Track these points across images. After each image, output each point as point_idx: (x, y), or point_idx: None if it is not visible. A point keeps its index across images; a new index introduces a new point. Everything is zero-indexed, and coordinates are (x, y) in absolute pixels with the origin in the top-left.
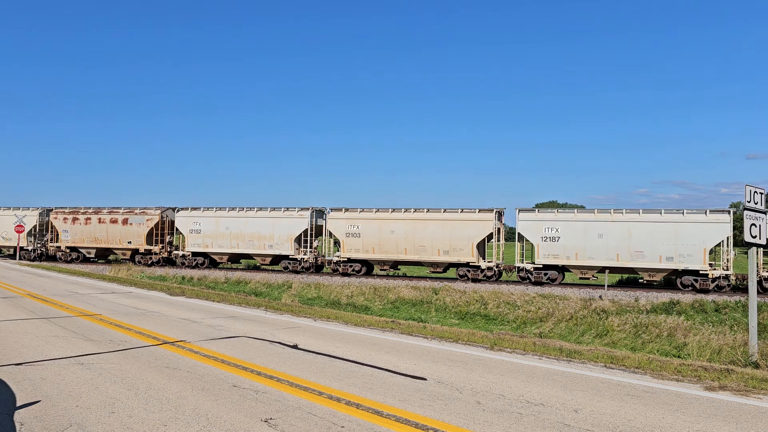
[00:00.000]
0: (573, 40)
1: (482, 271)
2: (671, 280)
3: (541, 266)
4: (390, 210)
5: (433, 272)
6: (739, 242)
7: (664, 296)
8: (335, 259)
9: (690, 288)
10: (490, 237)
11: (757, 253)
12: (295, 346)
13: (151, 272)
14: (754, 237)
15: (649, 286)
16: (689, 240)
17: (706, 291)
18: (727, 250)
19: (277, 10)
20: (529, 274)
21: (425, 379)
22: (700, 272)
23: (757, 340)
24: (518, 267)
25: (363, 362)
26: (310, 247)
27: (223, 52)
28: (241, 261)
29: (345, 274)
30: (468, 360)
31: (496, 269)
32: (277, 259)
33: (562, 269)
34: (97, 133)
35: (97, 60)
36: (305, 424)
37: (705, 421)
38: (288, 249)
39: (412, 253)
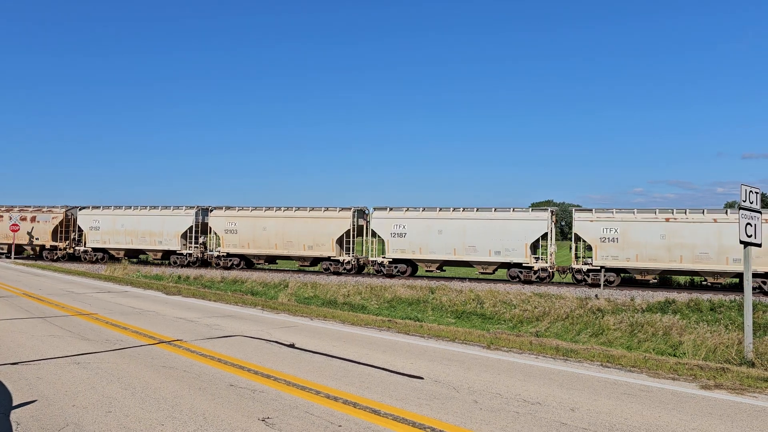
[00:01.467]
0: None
1: (342, 264)
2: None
3: (391, 260)
4: (264, 208)
5: (301, 266)
6: (560, 237)
7: (660, 295)
8: (216, 253)
9: (517, 279)
10: (349, 234)
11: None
12: (292, 346)
13: (147, 271)
14: (750, 236)
15: (485, 279)
16: (514, 235)
17: (529, 282)
18: (546, 245)
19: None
20: (382, 267)
21: (422, 378)
22: (524, 264)
23: (752, 338)
24: (372, 260)
25: (360, 361)
26: (196, 242)
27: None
28: (140, 256)
29: (226, 268)
30: (465, 359)
31: (355, 262)
32: (166, 254)
33: (411, 262)
34: None
35: None
36: (302, 423)
37: (701, 419)
38: (176, 245)
39: (282, 248)
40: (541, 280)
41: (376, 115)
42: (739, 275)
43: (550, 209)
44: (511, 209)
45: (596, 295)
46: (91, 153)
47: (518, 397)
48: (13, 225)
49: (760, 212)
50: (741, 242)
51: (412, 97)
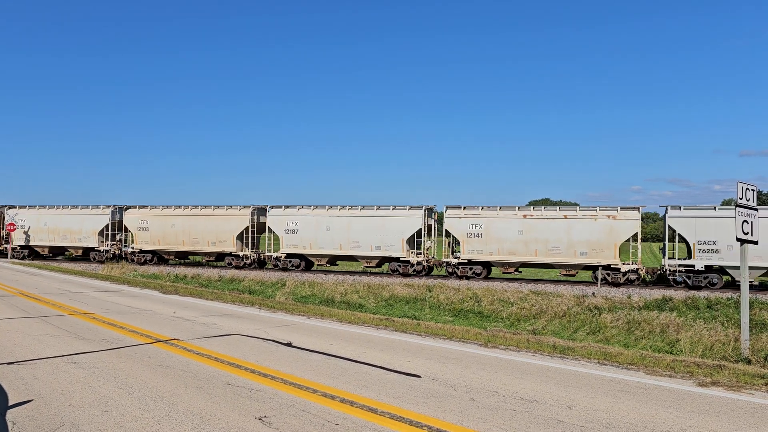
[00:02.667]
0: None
1: (242, 259)
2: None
3: (286, 255)
4: (173, 207)
5: (207, 261)
6: (438, 233)
7: (657, 293)
8: (130, 249)
9: (397, 272)
10: (248, 230)
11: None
12: (289, 344)
13: (144, 270)
14: (746, 234)
15: (370, 272)
16: (392, 231)
17: (407, 275)
18: (422, 240)
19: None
20: (278, 262)
21: (419, 377)
22: (401, 259)
23: (749, 336)
24: (268, 255)
25: (357, 360)
26: (113, 239)
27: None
28: (65, 253)
29: (140, 263)
30: (462, 357)
31: (255, 257)
32: (86, 250)
33: (303, 257)
34: None
35: None
36: (299, 422)
37: (698, 416)
38: (94, 242)
39: (189, 245)
40: (418, 273)
41: (377, 115)
42: (589, 267)
43: (425, 207)
44: (391, 207)
45: (593, 293)
46: (90, 153)
47: (515, 395)
48: (9, 224)
49: (756, 209)
50: (738, 239)
51: (410, 96)
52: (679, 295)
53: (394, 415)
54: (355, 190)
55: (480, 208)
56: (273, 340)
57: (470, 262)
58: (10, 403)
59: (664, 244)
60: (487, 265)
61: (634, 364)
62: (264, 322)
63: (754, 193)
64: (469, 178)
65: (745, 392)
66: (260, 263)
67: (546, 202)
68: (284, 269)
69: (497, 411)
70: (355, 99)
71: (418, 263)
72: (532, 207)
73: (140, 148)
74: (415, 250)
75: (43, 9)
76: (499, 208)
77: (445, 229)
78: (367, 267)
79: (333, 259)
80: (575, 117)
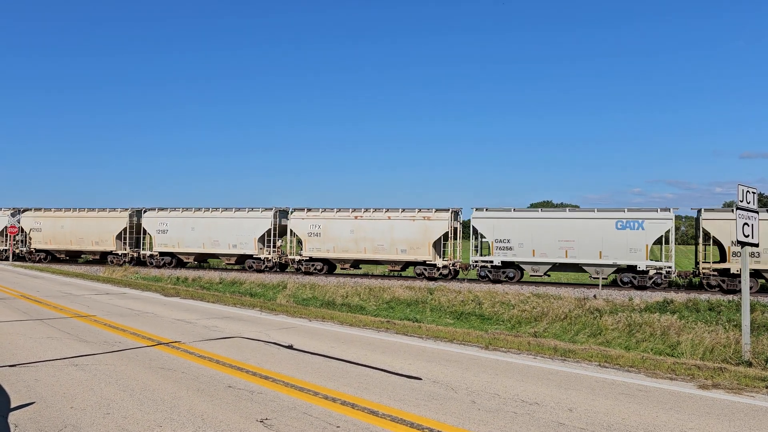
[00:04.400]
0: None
1: (121, 257)
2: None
3: (159, 253)
4: (63, 210)
5: (93, 259)
6: (282, 233)
7: (658, 295)
8: (26, 249)
9: (252, 269)
10: (126, 230)
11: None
12: (290, 347)
13: (146, 273)
14: (747, 236)
15: (231, 268)
16: (246, 231)
17: (260, 271)
18: (271, 239)
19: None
20: (152, 259)
21: (421, 379)
22: (254, 256)
23: (750, 338)
24: (143, 254)
25: (358, 362)
26: (11, 239)
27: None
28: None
29: (34, 261)
30: (463, 360)
31: (135, 255)
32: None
33: (173, 255)
34: None
35: None
36: (301, 425)
37: (698, 419)
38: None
39: (76, 244)
40: (270, 269)
41: (376, 115)
42: (410, 263)
43: (275, 209)
44: (246, 209)
45: (594, 296)
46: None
47: (516, 398)
48: (11, 227)
49: (757, 212)
50: (738, 242)
51: (411, 98)
52: (680, 297)
53: (395, 417)
54: (355, 193)
55: (320, 210)
56: (274, 343)
57: (311, 259)
58: (12, 405)
59: (474, 243)
60: (327, 262)
61: (635, 366)
62: (265, 325)
63: (755, 195)
64: (469, 181)
65: (746, 395)
66: (139, 261)
67: (547, 205)
68: (158, 266)
69: (498, 413)
70: (353, 99)
71: (268, 260)
72: (362, 209)
73: (139, 148)
74: (267, 248)
75: (43, 10)
76: (335, 210)
77: (290, 229)
78: (228, 264)
79: (199, 257)
80: (576, 119)
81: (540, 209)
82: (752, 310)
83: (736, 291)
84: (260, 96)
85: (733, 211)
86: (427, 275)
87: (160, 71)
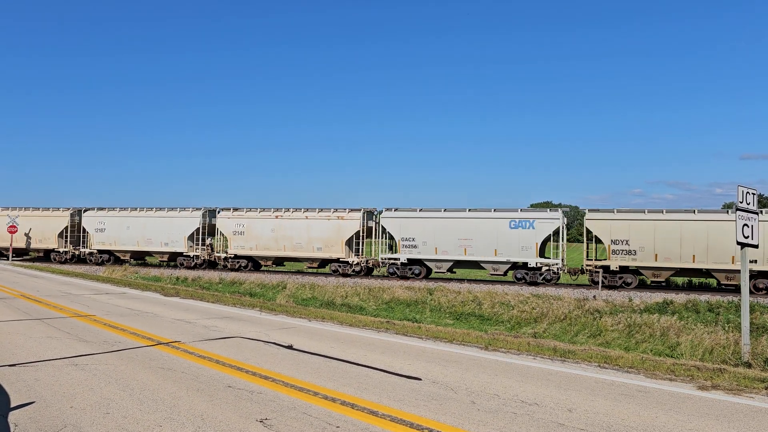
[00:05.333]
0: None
1: (62, 254)
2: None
3: (97, 251)
4: (10, 209)
5: (37, 256)
6: (210, 232)
7: (658, 296)
8: (224, 255)
9: (183, 266)
10: (68, 229)
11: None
12: (290, 347)
13: (146, 273)
14: (746, 237)
15: (165, 265)
16: (176, 230)
17: (192, 267)
18: (200, 237)
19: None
20: (91, 257)
21: (420, 379)
22: (184, 254)
23: (749, 339)
24: (82, 251)
25: (358, 362)
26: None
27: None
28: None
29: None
30: (463, 360)
31: (77, 252)
32: (172, 256)
33: (111, 253)
34: None
35: None
36: (300, 425)
37: (698, 420)
38: (182, 246)
39: (21, 242)
40: (200, 266)
41: (376, 114)
42: (326, 260)
43: (204, 209)
44: (177, 209)
45: (594, 296)
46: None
47: (516, 398)
48: (10, 226)
49: (756, 213)
50: (738, 243)
51: (411, 99)
52: (680, 298)
53: (395, 417)
54: (351, 193)
55: (244, 210)
56: (274, 343)
57: (236, 257)
58: (12, 405)
59: (385, 242)
60: (252, 259)
61: (635, 367)
62: (265, 325)
63: (755, 196)
64: (469, 182)
65: (745, 396)
66: (80, 259)
67: (547, 205)
68: (97, 263)
69: (498, 414)
70: (353, 99)
71: (197, 257)
72: (282, 209)
73: (138, 147)
74: (197, 246)
75: (44, 8)
76: (258, 210)
77: (217, 228)
78: (161, 261)
79: (134, 255)
80: (576, 120)
81: (443, 209)
82: (752, 311)
83: (617, 287)
84: (261, 95)
85: (614, 212)
86: (341, 272)
87: (159, 71)
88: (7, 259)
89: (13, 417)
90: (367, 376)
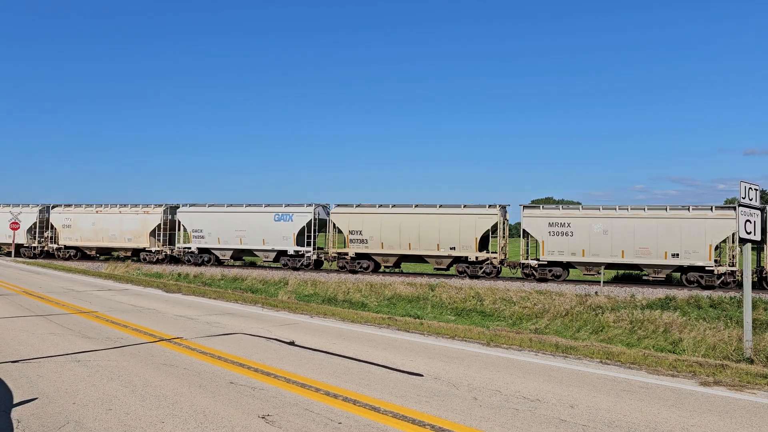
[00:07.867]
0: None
1: (31, 249)
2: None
3: (65, 246)
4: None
5: (7, 252)
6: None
7: (660, 292)
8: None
9: (146, 261)
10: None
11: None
12: (291, 343)
13: (148, 269)
14: (749, 233)
15: (125, 258)
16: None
17: (154, 262)
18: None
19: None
20: (59, 252)
21: (422, 376)
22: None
23: (752, 336)
24: (51, 246)
25: (360, 359)
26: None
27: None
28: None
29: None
30: (465, 356)
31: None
32: (135, 251)
33: (78, 248)
34: None
35: None
36: (302, 421)
37: (700, 415)
38: (145, 242)
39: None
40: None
41: (375, 114)
42: (135, 250)
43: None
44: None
45: (596, 292)
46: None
47: (518, 394)
48: (13, 223)
49: (759, 209)
50: (740, 239)
51: (411, 94)
52: (682, 294)
53: (396, 414)
54: (345, 190)
55: (72, 206)
56: (276, 339)
57: (66, 247)
58: (15, 401)
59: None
60: (79, 249)
61: (637, 363)
62: (267, 321)
63: (757, 192)
64: (470, 177)
65: (748, 392)
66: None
67: (548, 201)
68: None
69: (500, 410)
70: (352, 98)
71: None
72: (102, 205)
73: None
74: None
75: (45, 6)
76: (83, 206)
77: (50, 222)
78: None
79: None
80: (578, 115)
81: (226, 205)
82: (754, 307)
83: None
84: (261, 94)
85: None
86: (148, 260)
87: (158, 68)
88: (9, 256)
89: (16, 413)
90: (369, 373)
